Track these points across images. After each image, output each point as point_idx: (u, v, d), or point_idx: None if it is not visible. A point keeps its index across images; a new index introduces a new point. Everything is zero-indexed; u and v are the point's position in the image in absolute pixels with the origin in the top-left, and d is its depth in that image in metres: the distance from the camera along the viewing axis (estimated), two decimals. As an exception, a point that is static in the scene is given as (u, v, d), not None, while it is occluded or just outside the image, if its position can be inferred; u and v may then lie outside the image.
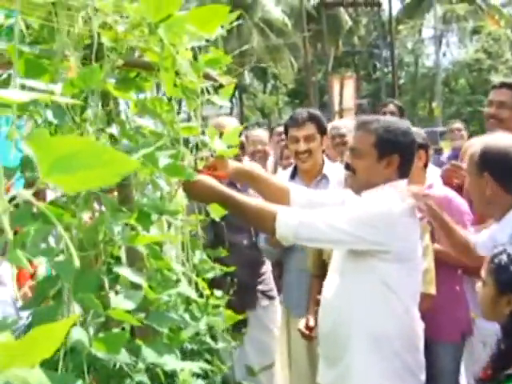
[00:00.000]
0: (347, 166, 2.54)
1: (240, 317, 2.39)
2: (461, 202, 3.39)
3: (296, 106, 40.39)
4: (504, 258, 2.04)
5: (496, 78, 31.05)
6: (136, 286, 1.97)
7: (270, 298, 3.73)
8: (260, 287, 3.67)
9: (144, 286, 1.57)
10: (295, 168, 3.67)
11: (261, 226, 2.64)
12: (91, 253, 1.55)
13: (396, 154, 2.44)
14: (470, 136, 5.83)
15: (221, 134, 2.24)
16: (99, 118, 1.69)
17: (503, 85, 3.78)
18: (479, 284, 2.16)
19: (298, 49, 31.24)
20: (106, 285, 1.55)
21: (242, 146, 3.57)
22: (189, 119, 2.17)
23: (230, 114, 35.52)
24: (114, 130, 1.70)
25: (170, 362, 1.64)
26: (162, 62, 1.54)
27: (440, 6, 37.01)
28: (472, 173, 2.52)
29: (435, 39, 34.07)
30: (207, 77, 1.89)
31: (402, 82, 40.22)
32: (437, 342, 3.17)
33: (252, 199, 2.45)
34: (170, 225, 2.04)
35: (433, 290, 3.00)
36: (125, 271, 1.54)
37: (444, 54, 41.71)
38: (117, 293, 1.44)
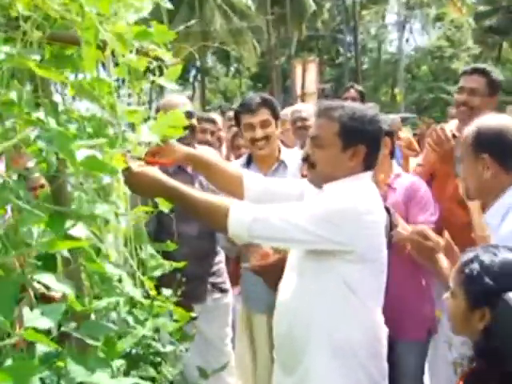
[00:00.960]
0: (306, 158, 2.32)
1: (192, 315, 2.22)
2: (427, 192, 3.33)
3: (259, 89, 40.17)
4: (476, 266, 1.80)
5: (457, 66, 31.36)
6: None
7: (222, 290, 3.55)
8: (211, 279, 3.48)
9: (70, 295, 1.35)
10: (250, 156, 3.48)
11: (212, 223, 2.36)
12: (10, 256, 1.33)
13: (362, 144, 2.24)
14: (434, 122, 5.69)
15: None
16: (25, 101, 1.47)
17: (475, 71, 3.63)
18: (447, 295, 1.94)
19: (261, 32, 30.94)
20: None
21: (192, 129, 3.35)
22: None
23: (192, 97, 35.23)
24: (41, 114, 1.48)
25: (103, 380, 1.43)
26: (82, 33, 1.30)
27: (404, -8, 37.10)
28: (467, 157, 2.31)
29: (398, 25, 34.12)
30: (148, 55, 1.67)
31: (364, 67, 40.26)
32: (401, 340, 3.04)
33: (201, 193, 2.23)
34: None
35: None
36: (47, 279, 1.31)
37: (407, 41, 41.84)
38: (32, 307, 1.21)
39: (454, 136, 3.30)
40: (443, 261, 2.65)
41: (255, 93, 3.49)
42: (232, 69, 42.05)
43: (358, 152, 2.25)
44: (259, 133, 3.28)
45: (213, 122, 4.69)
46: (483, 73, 3.58)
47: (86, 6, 1.21)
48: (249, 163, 3.44)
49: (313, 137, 2.30)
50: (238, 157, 4.14)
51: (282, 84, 32.56)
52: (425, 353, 3.32)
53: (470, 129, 2.34)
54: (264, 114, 3.29)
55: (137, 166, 2.06)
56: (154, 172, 2.09)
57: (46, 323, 1.17)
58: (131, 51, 1.51)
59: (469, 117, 3.52)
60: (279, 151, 3.41)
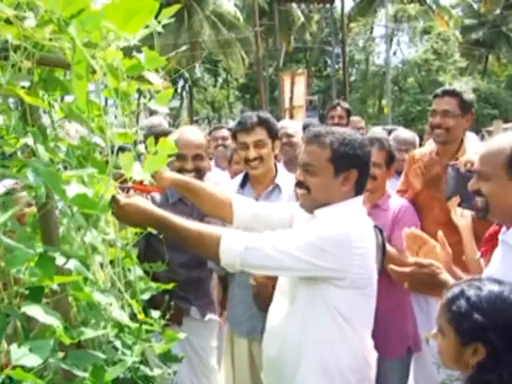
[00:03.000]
0: (299, 184, 2.31)
1: (180, 336, 2.19)
2: (414, 217, 3.38)
3: (246, 100, 40.27)
4: (463, 303, 1.78)
5: (444, 78, 31.54)
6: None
7: (210, 311, 3.48)
8: (197, 302, 3.40)
9: (58, 327, 1.32)
10: (246, 176, 3.42)
11: (203, 253, 2.33)
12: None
13: (354, 169, 2.24)
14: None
15: (156, 140, 1.99)
16: (13, 127, 1.45)
17: (445, 93, 3.70)
18: (435, 332, 1.91)
19: (249, 43, 30.98)
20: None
21: (197, 171, 3.25)
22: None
23: (180, 107, 35.20)
24: (29, 140, 1.45)
25: (91, 412, 1.40)
26: (73, 67, 1.28)
27: (391, 5, 37.29)
28: (497, 176, 2.22)
29: (386, 38, 34.27)
30: (141, 79, 1.65)
31: (352, 79, 40.38)
32: (384, 358, 3.03)
33: (191, 222, 2.19)
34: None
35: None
36: (35, 311, 1.28)
37: (394, 53, 42.08)
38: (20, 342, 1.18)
39: None
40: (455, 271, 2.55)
41: (252, 111, 3.37)
42: (220, 80, 42.05)
43: (350, 177, 2.25)
44: (252, 153, 3.22)
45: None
46: (454, 94, 3.65)
47: (77, 39, 1.18)
48: (244, 183, 3.39)
49: (304, 164, 2.29)
50: (236, 173, 4.06)
51: (269, 95, 32.59)
52: (407, 369, 3.36)
53: (498, 146, 2.18)
54: (259, 134, 3.23)
55: (124, 198, 2.04)
56: (143, 203, 2.07)
57: (34, 361, 1.14)
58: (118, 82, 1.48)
59: (445, 138, 3.58)
60: (276, 173, 3.34)
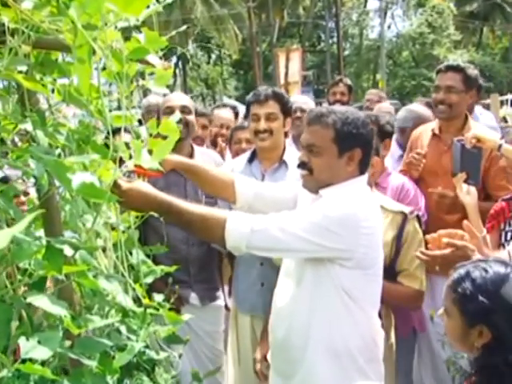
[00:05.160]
0: (302, 164, 2.28)
1: (182, 319, 2.17)
2: (417, 193, 3.33)
3: (240, 77, 40.05)
4: (468, 285, 1.77)
5: (439, 52, 31.41)
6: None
7: (212, 298, 3.48)
8: (199, 286, 3.40)
9: (66, 317, 1.30)
10: (254, 152, 3.39)
11: (208, 237, 2.33)
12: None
13: (358, 148, 2.21)
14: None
15: (158, 123, 1.95)
16: (11, 112, 1.41)
17: (449, 68, 3.63)
18: (441, 311, 1.90)
19: (242, 19, 30.75)
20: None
21: (186, 125, 3.30)
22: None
23: (173, 84, 34.98)
24: (28, 126, 1.41)
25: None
26: (75, 51, 1.23)
27: (385, -22, 37.01)
28: None
29: (380, 11, 34.03)
30: (141, 60, 1.61)
31: (346, 53, 40.15)
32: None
33: (195, 206, 2.15)
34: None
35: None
36: (41, 301, 1.25)
37: (389, 27, 41.84)
38: (25, 334, 1.15)
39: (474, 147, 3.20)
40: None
41: (247, 87, 3.38)
42: (213, 56, 41.78)
43: (354, 156, 2.22)
44: (262, 124, 3.19)
45: (204, 115, 4.54)
46: (458, 69, 3.59)
47: (78, 23, 1.14)
48: (252, 159, 3.37)
49: (308, 144, 2.26)
50: (236, 152, 4.01)
51: (263, 71, 32.43)
52: (412, 351, 3.35)
53: None
54: (272, 107, 3.21)
55: (126, 183, 2.01)
56: (145, 187, 2.04)
57: (43, 353, 1.11)
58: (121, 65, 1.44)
59: (448, 114, 3.53)
60: (284, 150, 3.32)
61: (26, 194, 2.71)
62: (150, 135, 1.90)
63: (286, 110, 3.27)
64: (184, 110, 3.34)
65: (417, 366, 3.57)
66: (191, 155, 3.38)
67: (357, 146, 2.21)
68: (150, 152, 1.80)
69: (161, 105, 3.47)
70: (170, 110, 3.31)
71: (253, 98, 3.26)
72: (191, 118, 3.38)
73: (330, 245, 2.09)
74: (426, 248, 2.40)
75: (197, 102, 36.48)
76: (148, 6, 1.41)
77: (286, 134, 3.41)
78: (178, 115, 2.94)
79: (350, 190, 2.20)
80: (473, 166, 3.15)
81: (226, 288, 3.67)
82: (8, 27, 1.20)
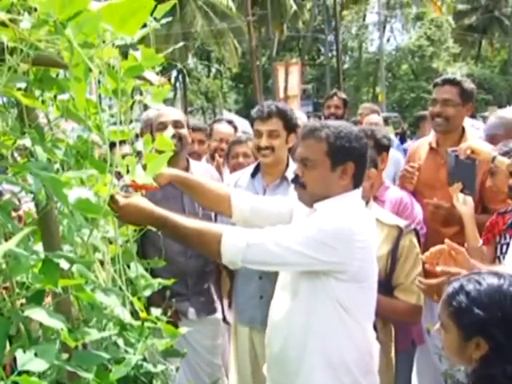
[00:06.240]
0: (296, 179, 2.31)
1: (180, 332, 2.18)
2: (415, 208, 3.34)
3: (240, 90, 40.15)
4: (462, 299, 1.79)
5: (438, 65, 31.51)
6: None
7: (209, 311, 3.50)
8: (197, 299, 3.41)
9: (63, 330, 1.31)
10: (258, 166, 3.41)
11: (205, 251, 2.34)
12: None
13: (351, 162, 2.24)
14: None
15: (153, 139, 1.98)
16: (10, 128, 1.43)
17: (446, 81, 3.67)
18: (438, 326, 1.92)
19: (242, 33, 30.84)
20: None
21: (179, 138, 3.31)
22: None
23: (174, 98, 35.07)
24: (27, 141, 1.44)
25: (96, 413, 1.40)
26: (72, 70, 1.26)
27: (384, -8, 37.19)
28: None
29: (379, 25, 34.19)
30: (139, 77, 1.64)
31: (346, 66, 40.27)
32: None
33: (191, 220, 2.18)
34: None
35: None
36: (39, 314, 1.27)
37: (388, 40, 42.01)
38: (23, 347, 1.17)
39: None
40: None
41: (247, 101, 3.38)
42: (213, 70, 41.92)
43: (347, 169, 2.24)
44: (264, 141, 3.21)
45: (200, 130, 4.52)
46: (454, 83, 3.62)
47: (75, 42, 1.17)
48: (255, 173, 3.38)
49: (302, 158, 2.29)
50: (233, 166, 4.01)
51: (263, 84, 32.51)
52: (410, 363, 3.35)
53: None
54: (274, 125, 3.21)
55: (123, 198, 2.04)
56: (141, 202, 2.06)
57: (40, 365, 1.13)
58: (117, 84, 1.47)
59: (445, 127, 3.56)
60: (286, 166, 3.32)
61: (15, 210, 2.68)
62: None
63: (290, 126, 3.26)
64: (177, 124, 3.36)
65: (415, 378, 3.57)
66: (187, 169, 3.38)
67: (350, 159, 2.23)
68: (145, 167, 1.83)
69: (153, 121, 3.47)
70: (162, 126, 3.33)
71: (256, 114, 3.27)
72: (184, 131, 3.39)
73: (325, 258, 2.11)
74: (423, 263, 2.42)
75: (197, 115, 36.58)
76: (145, 25, 1.44)
77: (289, 150, 3.39)
78: (171, 130, 2.97)
79: (344, 203, 2.22)
80: (467, 176, 3.16)
81: (225, 301, 3.67)
82: (7, 46, 1.23)
